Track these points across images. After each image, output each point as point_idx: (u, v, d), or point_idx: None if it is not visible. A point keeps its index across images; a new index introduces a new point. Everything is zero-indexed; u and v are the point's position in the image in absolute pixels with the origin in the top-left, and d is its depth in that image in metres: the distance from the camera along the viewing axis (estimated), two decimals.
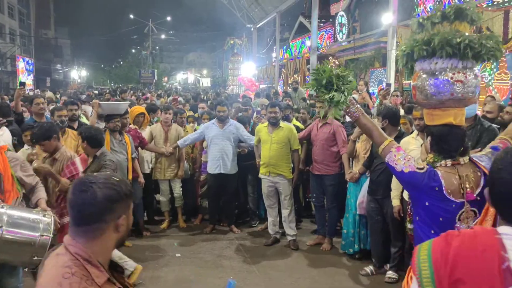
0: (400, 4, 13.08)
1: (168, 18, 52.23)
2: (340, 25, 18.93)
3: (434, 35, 2.48)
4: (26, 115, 7.20)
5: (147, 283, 4.65)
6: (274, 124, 5.85)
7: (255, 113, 7.92)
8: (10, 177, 3.33)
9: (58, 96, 17.30)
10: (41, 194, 3.55)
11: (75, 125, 5.93)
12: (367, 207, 4.97)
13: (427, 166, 2.42)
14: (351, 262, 5.34)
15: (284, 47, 26.42)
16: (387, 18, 12.74)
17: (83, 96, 14.90)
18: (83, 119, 6.57)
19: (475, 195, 2.34)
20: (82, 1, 69.40)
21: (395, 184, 4.43)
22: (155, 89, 33.01)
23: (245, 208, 6.97)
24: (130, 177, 5.58)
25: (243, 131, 6.37)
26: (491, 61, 2.56)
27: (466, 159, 2.43)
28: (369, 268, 4.94)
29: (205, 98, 16.66)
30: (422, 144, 4.04)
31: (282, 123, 5.93)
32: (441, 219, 2.33)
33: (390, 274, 4.72)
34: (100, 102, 5.55)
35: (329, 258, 5.48)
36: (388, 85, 9.99)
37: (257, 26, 27.38)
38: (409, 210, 3.02)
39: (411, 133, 5.23)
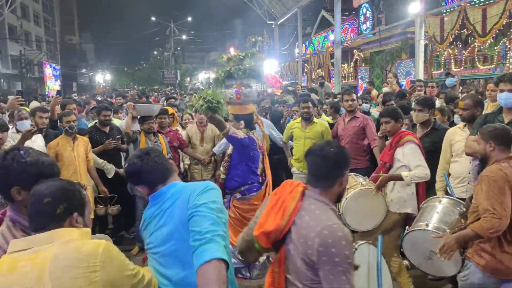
0: None
1: (189, 19, 52.54)
2: (364, 17, 18.64)
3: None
4: None
5: None
6: (307, 119, 5.78)
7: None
8: None
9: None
10: None
11: (107, 129, 5.99)
12: None
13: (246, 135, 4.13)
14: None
15: (307, 42, 26.20)
16: (414, 7, 12.45)
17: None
18: (116, 121, 6.60)
19: None
20: (104, 6, 70.49)
21: (439, 176, 4.29)
22: (179, 89, 33.27)
23: None
24: None
25: (274, 131, 6.30)
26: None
27: None
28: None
29: None
30: (468, 136, 3.90)
31: (316, 119, 5.84)
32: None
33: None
34: (135, 105, 5.56)
35: None
36: (413, 82, 9.76)
37: (279, 23, 27.21)
38: None
39: (451, 123, 5.08)
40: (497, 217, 2.65)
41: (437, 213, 3.35)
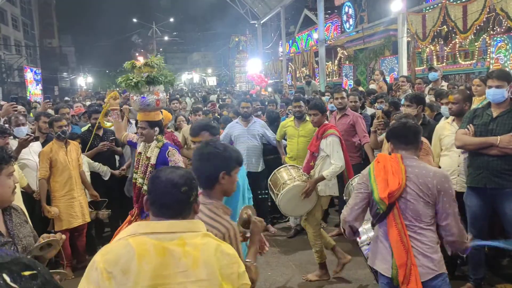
0: None
1: (171, 19, 52.31)
2: (347, 15, 18.86)
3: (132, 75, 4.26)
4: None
5: None
6: (299, 118, 5.90)
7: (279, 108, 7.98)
8: None
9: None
10: None
11: (101, 132, 6.02)
12: None
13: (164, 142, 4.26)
14: None
15: (290, 41, 26.37)
16: (396, 5, 12.69)
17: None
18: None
19: None
20: (84, 8, 69.65)
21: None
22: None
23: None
24: None
25: (268, 130, 6.37)
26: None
27: None
28: None
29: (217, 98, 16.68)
30: (457, 130, 4.07)
31: (308, 117, 5.95)
32: None
33: None
34: (130, 108, 5.58)
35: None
36: (396, 79, 9.98)
37: (261, 22, 27.32)
38: None
39: (437, 114, 5.26)
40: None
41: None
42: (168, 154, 4.15)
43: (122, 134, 4.57)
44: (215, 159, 2.24)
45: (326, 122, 4.82)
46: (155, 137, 4.22)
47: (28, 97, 28.21)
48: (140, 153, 4.30)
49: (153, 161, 4.13)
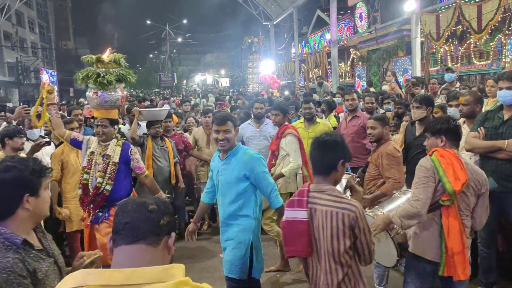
0: None
1: (184, 21, 52.62)
2: (359, 16, 18.77)
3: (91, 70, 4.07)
4: None
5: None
6: (309, 119, 5.87)
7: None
8: None
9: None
10: None
11: None
12: None
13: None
14: None
15: (303, 42, 26.32)
16: (410, 5, 12.57)
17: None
18: (122, 128, 6.67)
19: None
20: (99, 10, 70.44)
21: None
22: (176, 93, 33.31)
23: None
24: (174, 181, 5.67)
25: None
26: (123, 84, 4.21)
27: None
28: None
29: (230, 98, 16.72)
30: (468, 133, 4.01)
31: (318, 119, 5.94)
32: None
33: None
34: (141, 110, 5.62)
35: None
36: (408, 80, 9.87)
37: (274, 23, 27.32)
38: None
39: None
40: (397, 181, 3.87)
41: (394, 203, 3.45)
42: (130, 153, 4.08)
43: (64, 132, 4.23)
44: (338, 148, 2.46)
45: (287, 123, 5.16)
46: (114, 135, 4.11)
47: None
48: (93, 152, 4.09)
49: (115, 159, 4.01)
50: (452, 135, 2.96)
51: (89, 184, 4.03)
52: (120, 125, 6.71)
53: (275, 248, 5.50)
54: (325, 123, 5.95)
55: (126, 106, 8.13)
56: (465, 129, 4.17)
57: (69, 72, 51.64)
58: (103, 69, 4.02)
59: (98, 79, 3.93)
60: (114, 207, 4.03)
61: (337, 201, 2.35)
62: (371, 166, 4.16)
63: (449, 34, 11.85)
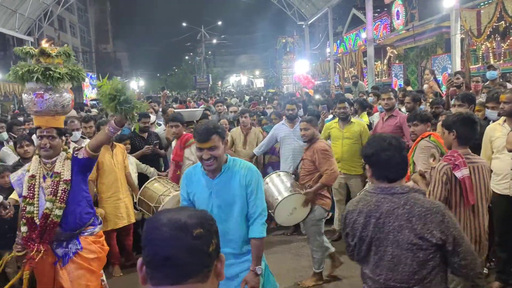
0: None
1: (219, 23, 53.13)
2: (396, 13, 18.40)
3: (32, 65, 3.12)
4: None
5: None
6: (344, 119, 5.82)
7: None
8: None
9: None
10: None
11: (145, 135, 6.16)
12: None
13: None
14: None
15: (338, 41, 26.05)
16: (449, 1, 12.20)
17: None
18: (157, 129, 6.81)
19: None
20: (136, 14, 72.18)
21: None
22: (212, 93, 33.68)
23: None
24: None
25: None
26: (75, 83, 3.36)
27: None
28: None
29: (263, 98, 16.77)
30: (509, 132, 3.86)
31: (353, 119, 5.87)
32: None
33: None
34: (176, 110, 5.73)
35: None
36: (450, 75, 9.57)
37: (309, 23, 27.15)
38: None
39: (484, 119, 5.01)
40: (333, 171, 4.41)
41: (278, 185, 4.60)
42: (75, 153, 3.30)
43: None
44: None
45: (185, 132, 5.22)
46: (62, 148, 3.30)
47: (84, 101, 29.67)
48: (33, 176, 3.19)
49: (66, 176, 3.19)
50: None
51: (35, 217, 3.14)
52: (156, 126, 6.90)
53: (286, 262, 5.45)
54: (360, 123, 5.87)
55: (162, 107, 8.32)
56: (506, 128, 4.02)
57: (108, 74, 53.28)
58: (50, 64, 3.15)
59: (47, 73, 3.07)
60: (84, 236, 3.28)
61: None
62: (306, 162, 4.60)
63: (491, 30, 11.42)
